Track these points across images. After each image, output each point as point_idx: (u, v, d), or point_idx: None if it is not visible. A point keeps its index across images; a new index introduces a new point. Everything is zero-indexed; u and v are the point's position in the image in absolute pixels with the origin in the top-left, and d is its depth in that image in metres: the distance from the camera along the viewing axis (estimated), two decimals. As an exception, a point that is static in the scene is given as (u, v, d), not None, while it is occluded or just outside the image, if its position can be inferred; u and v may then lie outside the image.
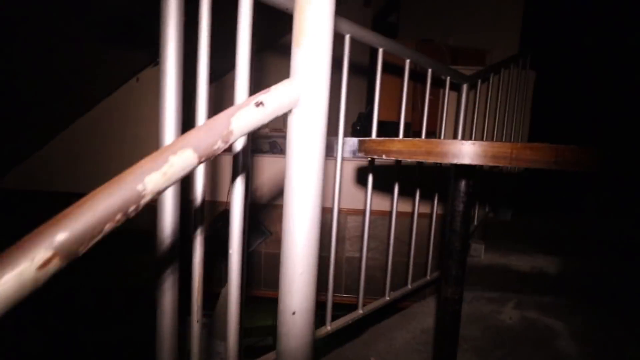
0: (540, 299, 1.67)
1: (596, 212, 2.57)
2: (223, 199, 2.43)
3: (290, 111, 0.39)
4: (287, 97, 0.37)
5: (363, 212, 1.24)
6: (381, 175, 1.39)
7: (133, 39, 2.10)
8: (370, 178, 1.23)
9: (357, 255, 2.41)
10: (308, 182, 0.39)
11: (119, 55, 2.28)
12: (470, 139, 1.76)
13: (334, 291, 1.18)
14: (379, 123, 2.58)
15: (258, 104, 0.34)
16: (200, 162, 0.30)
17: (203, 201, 0.62)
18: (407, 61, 1.31)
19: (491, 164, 0.61)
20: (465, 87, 1.65)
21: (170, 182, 0.28)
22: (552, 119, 3.33)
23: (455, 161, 0.63)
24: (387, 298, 1.35)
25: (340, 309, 2.10)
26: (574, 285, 1.72)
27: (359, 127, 2.92)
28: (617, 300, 1.66)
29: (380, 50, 1.20)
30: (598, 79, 3.47)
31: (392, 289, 1.39)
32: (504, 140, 2.03)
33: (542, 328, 1.44)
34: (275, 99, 0.35)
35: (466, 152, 0.62)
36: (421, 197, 1.53)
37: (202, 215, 0.62)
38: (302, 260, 0.40)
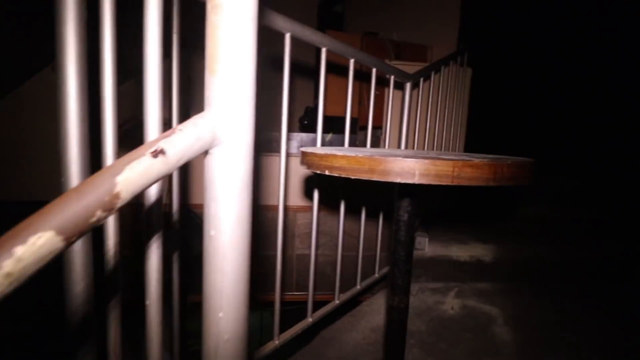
0: (478, 286, 1.79)
1: (528, 202, 2.81)
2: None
3: (207, 152, 0.33)
4: (199, 138, 0.30)
5: (312, 209, 1.20)
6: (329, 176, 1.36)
7: (40, 21, 1.82)
8: (316, 194, 1.19)
9: (307, 252, 2.39)
10: (233, 241, 0.33)
11: (27, 40, 1.97)
12: (415, 137, 1.80)
13: (285, 290, 1.14)
14: (328, 118, 2.54)
15: (156, 153, 0.27)
16: (71, 243, 0.22)
17: (118, 263, 0.52)
18: (352, 60, 1.28)
19: (434, 183, 0.60)
20: (408, 85, 1.67)
21: (21, 279, 0.20)
22: (489, 112, 3.55)
23: (398, 180, 0.61)
24: (337, 302, 1.34)
25: (291, 305, 2.07)
26: (506, 271, 1.86)
27: (306, 121, 2.86)
28: (542, 283, 1.83)
29: (324, 50, 1.15)
30: (530, 74, 3.78)
31: (342, 286, 1.38)
32: (444, 135, 2.11)
33: (480, 315, 1.54)
34: (181, 143, 0.28)
35: (409, 170, 0.60)
36: (370, 196, 1.54)
37: (117, 280, 0.53)
38: (229, 324, 0.34)
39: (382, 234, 1.70)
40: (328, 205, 2.07)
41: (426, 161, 0.59)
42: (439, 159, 0.60)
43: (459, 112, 2.37)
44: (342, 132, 1.40)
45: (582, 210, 2.48)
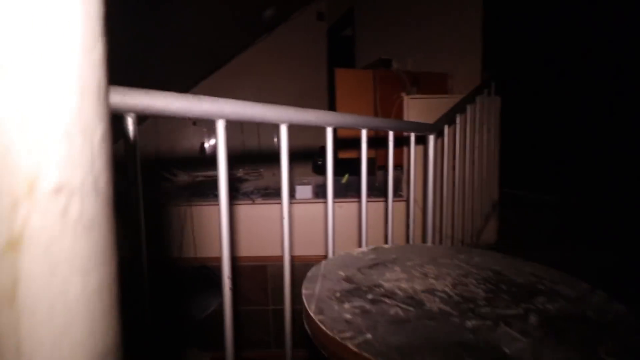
0: None
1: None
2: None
3: None
4: None
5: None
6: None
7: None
8: None
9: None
10: None
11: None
12: (443, 193, 1.57)
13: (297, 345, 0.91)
14: (342, 161, 2.30)
15: None
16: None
17: None
18: (364, 131, 1.09)
19: None
20: (431, 137, 1.45)
21: None
22: (521, 141, 3.23)
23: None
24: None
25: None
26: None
27: (320, 162, 2.69)
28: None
29: (329, 130, 0.97)
30: (563, 99, 3.43)
31: None
32: (476, 181, 1.86)
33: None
34: None
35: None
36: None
37: None
38: None
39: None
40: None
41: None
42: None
43: (491, 146, 2.11)
44: (358, 173, 1.19)
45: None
